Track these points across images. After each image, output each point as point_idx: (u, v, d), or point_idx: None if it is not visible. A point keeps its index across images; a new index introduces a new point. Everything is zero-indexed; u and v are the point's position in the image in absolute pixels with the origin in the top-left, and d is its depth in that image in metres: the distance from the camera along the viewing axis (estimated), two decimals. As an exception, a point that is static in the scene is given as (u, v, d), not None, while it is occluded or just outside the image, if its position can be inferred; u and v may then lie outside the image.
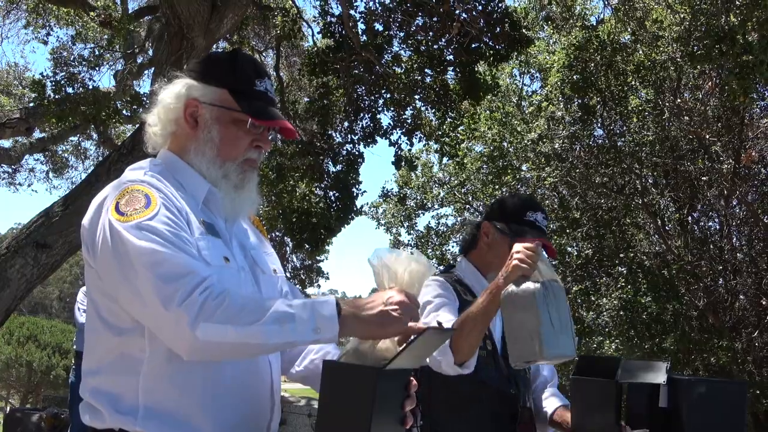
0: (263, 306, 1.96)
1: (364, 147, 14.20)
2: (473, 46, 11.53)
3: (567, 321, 2.67)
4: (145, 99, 11.65)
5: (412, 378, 2.12)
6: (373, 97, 13.76)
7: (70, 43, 14.04)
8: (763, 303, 13.33)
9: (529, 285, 2.70)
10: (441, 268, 3.66)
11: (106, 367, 2.17)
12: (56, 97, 10.31)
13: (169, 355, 2.09)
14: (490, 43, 11.54)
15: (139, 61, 13.43)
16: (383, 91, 13.53)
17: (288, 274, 23.33)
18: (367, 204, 22.64)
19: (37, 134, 15.00)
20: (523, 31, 11.68)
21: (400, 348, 2.05)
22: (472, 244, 3.44)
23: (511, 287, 2.75)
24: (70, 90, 10.40)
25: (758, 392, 12.91)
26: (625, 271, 15.07)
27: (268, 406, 2.30)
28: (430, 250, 20.39)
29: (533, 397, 3.43)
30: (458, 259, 3.52)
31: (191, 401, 2.13)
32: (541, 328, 2.60)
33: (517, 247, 2.81)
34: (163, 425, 2.10)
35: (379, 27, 12.45)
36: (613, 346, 13.96)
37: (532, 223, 3.30)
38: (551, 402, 3.41)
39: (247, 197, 2.35)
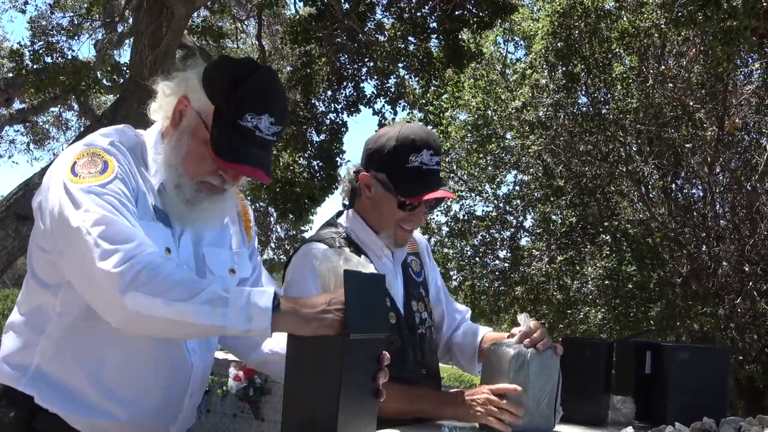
0: (198, 285, 1.89)
1: (348, 116, 14.17)
2: (457, 13, 11.46)
3: (547, 396, 2.44)
4: (125, 69, 11.54)
5: (384, 351, 2.05)
6: (356, 66, 13.69)
7: (48, 11, 13.83)
8: (746, 269, 13.40)
9: (508, 350, 2.47)
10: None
11: (20, 320, 2.15)
12: (35, 67, 10.19)
13: (75, 323, 2.06)
14: (474, 11, 11.47)
15: (119, 29, 13.28)
16: (366, 60, 13.47)
17: (272, 245, 23.31)
18: (351, 173, 22.59)
19: (17, 105, 14.87)
20: (507, -3, 11.59)
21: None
22: (355, 195, 2.85)
23: (494, 346, 2.53)
24: (48, 59, 10.27)
25: (741, 358, 13.01)
26: (609, 240, 15.10)
27: (174, 408, 2.24)
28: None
29: (451, 341, 3.06)
30: (344, 211, 2.93)
31: (85, 373, 2.08)
32: (510, 398, 2.43)
33: (483, 398, 2.44)
34: (49, 390, 2.07)
35: (361, -6, 12.35)
36: (599, 316, 14.02)
37: (417, 169, 2.66)
38: (473, 334, 3.00)
39: (201, 215, 2.23)
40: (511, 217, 17.59)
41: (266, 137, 2.14)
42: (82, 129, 16.67)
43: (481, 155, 17.02)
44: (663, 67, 13.70)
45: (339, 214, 2.93)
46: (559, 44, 13.83)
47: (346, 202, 2.91)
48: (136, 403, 2.13)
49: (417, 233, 3.11)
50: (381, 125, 13.80)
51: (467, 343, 2.99)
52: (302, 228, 21.31)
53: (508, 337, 2.56)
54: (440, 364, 3.05)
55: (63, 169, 2.04)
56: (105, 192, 1.98)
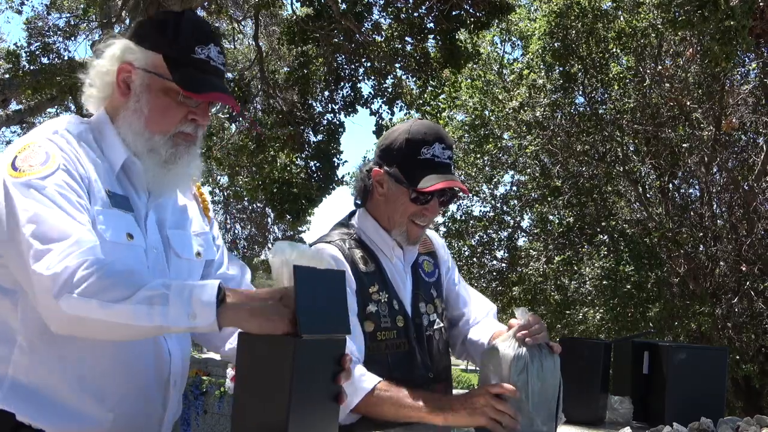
0: (136, 282, 1.77)
1: (345, 116, 14.21)
2: (454, 13, 11.47)
3: (548, 401, 2.34)
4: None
5: (347, 353, 1.91)
6: (353, 66, 13.72)
7: (44, 12, 13.84)
8: (743, 269, 13.41)
9: (507, 350, 2.35)
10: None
11: None
12: (31, 67, 10.19)
13: (43, 329, 1.92)
14: (471, 11, 11.48)
15: (116, 30, 13.27)
16: (363, 60, 13.48)
17: (269, 245, 23.29)
18: (349, 174, 22.67)
19: (13, 106, 14.85)
20: (504, -3, 11.61)
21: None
22: (367, 193, 2.81)
23: (492, 346, 2.43)
24: (45, 60, 10.28)
25: (738, 357, 13.03)
26: (606, 240, 15.11)
27: (160, 400, 2.16)
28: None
29: (466, 338, 2.96)
30: (357, 211, 2.89)
31: (64, 378, 1.99)
32: (509, 401, 2.31)
33: (483, 393, 2.35)
34: (29, 403, 1.97)
35: (358, -6, 12.37)
36: (597, 316, 14.03)
37: (429, 161, 2.65)
38: (487, 331, 2.87)
39: (178, 173, 2.17)
40: (509, 218, 17.61)
41: (219, 66, 2.15)
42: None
43: (479, 155, 17.03)
44: (660, 67, 13.71)
45: (351, 214, 2.91)
46: (556, 44, 13.83)
47: (359, 202, 2.88)
48: (120, 401, 2.05)
49: (432, 232, 3.07)
50: (378, 125, 13.82)
51: (480, 342, 2.89)
52: (300, 228, 21.30)
53: (508, 329, 2.46)
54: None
55: (4, 165, 1.95)
56: (45, 185, 1.89)
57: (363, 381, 2.46)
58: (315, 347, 1.79)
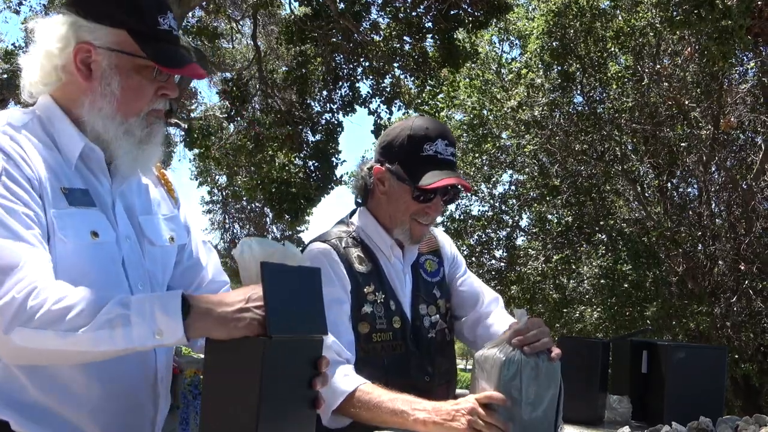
0: (93, 308, 1.65)
1: (343, 116, 14.20)
2: (452, 12, 11.47)
3: (545, 410, 2.11)
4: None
5: (324, 356, 1.80)
6: (351, 66, 13.72)
7: (42, 12, 13.81)
8: (742, 268, 13.41)
9: (499, 354, 2.14)
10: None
11: None
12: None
13: None
14: (469, 10, 11.48)
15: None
16: (362, 60, 13.48)
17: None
18: (347, 173, 22.67)
19: (11, 106, 14.83)
20: (502, -3, 11.61)
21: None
22: (368, 192, 2.72)
23: (484, 349, 2.21)
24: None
25: (737, 357, 13.03)
26: (605, 239, 15.12)
27: (150, 399, 2.07)
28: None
29: (476, 333, 2.82)
30: (357, 210, 2.80)
31: (52, 391, 1.89)
32: (500, 411, 2.10)
33: (468, 403, 2.15)
34: (21, 413, 1.87)
35: (356, -6, 12.38)
36: (595, 315, 14.03)
37: (432, 158, 2.57)
38: (499, 327, 2.72)
39: (152, 151, 2.04)
40: (507, 217, 17.61)
41: (179, 35, 2.04)
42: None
43: (477, 155, 17.03)
44: (658, 66, 13.71)
45: (353, 213, 2.81)
46: (554, 43, 13.85)
47: (359, 200, 2.78)
48: (111, 408, 1.96)
49: (437, 229, 3.01)
50: (377, 125, 13.81)
51: (491, 337, 2.69)
52: (298, 228, 21.28)
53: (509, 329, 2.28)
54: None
55: None
56: None
57: (345, 382, 2.36)
58: (287, 349, 1.69)
